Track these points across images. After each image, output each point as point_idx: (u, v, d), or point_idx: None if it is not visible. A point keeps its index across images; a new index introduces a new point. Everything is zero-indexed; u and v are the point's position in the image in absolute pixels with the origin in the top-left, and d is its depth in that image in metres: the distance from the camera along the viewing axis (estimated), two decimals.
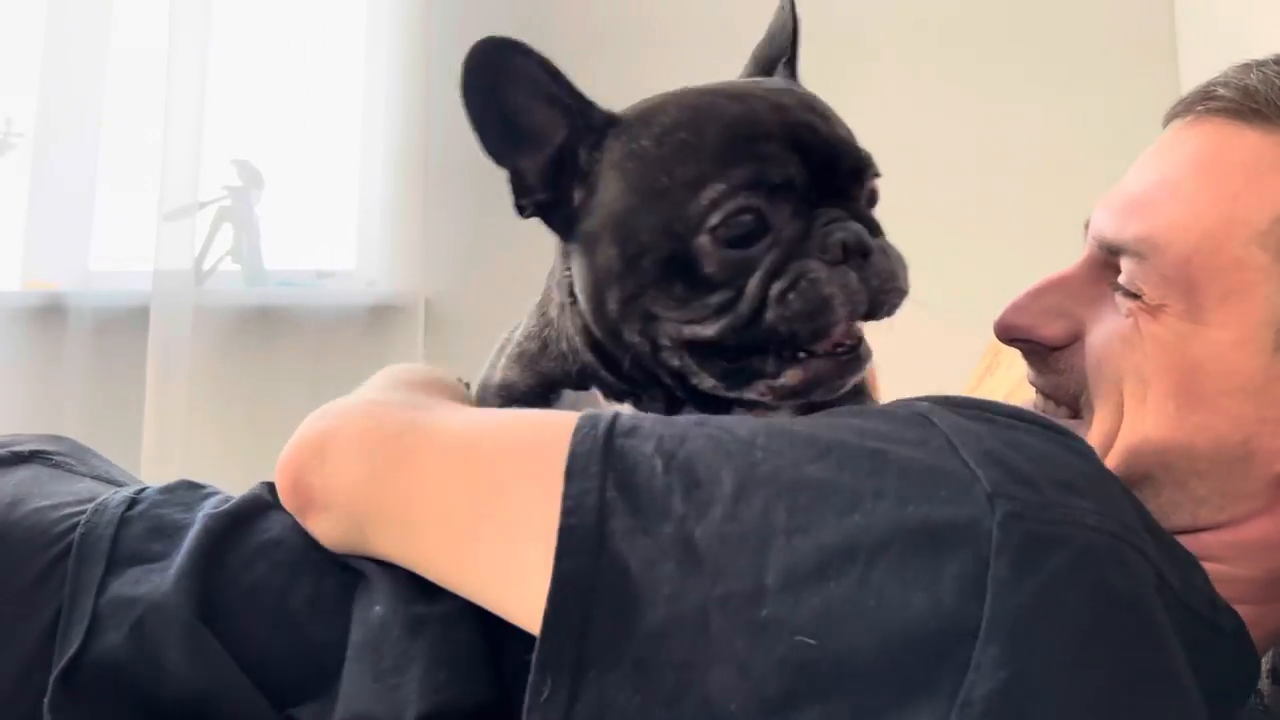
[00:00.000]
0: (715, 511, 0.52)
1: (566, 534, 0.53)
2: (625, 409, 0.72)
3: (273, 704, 0.62)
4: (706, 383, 0.67)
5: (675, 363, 0.68)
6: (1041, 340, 0.72)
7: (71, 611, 0.64)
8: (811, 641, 0.48)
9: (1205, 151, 0.67)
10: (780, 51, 0.79)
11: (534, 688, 0.51)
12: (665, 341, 0.67)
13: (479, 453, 0.61)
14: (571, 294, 0.72)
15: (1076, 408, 0.70)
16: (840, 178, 0.67)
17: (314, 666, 0.62)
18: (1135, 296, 0.66)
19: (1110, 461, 0.66)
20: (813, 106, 0.68)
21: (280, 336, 2.05)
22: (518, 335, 0.79)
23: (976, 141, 2.11)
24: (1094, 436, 0.67)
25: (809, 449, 0.54)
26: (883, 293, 0.65)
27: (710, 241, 0.64)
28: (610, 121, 0.70)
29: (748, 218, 0.64)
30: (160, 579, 0.65)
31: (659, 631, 0.50)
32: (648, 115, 0.69)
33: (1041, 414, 0.64)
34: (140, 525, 0.69)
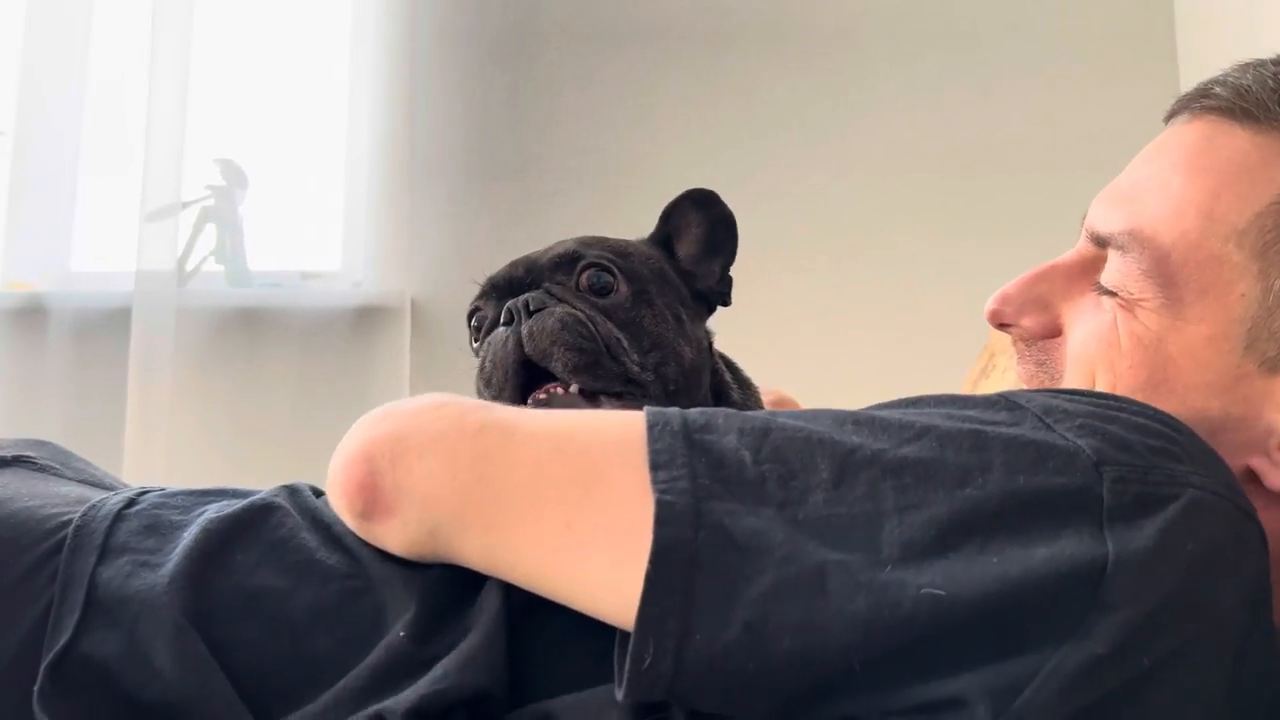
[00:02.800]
0: (817, 497, 0.53)
1: (664, 508, 0.53)
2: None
3: (257, 715, 0.61)
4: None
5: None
6: (1023, 331, 0.74)
7: (63, 602, 0.63)
8: (940, 592, 0.49)
9: (1194, 149, 0.68)
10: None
11: (635, 656, 0.51)
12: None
13: (569, 446, 0.60)
14: None
15: None
16: (542, 273, 0.87)
17: (306, 675, 0.61)
18: (1114, 294, 0.68)
19: None
20: (526, 263, 0.89)
21: (265, 338, 2.04)
22: None
23: (974, 141, 2.11)
24: None
25: (903, 432, 0.56)
26: (536, 338, 0.81)
27: (473, 337, 0.89)
28: None
29: (479, 315, 0.88)
30: (153, 577, 0.64)
31: (770, 594, 0.51)
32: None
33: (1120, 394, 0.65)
34: (136, 521, 0.69)
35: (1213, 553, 0.51)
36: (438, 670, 0.60)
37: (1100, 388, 0.68)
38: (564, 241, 0.89)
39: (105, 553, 0.66)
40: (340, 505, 0.66)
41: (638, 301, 0.85)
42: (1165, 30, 2.11)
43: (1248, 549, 0.53)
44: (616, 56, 2.14)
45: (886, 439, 0.55)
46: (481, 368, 0.84)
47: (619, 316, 0.84)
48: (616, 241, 0.90)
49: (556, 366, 0.79)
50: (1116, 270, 0.68)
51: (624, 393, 0.81)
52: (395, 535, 0.64)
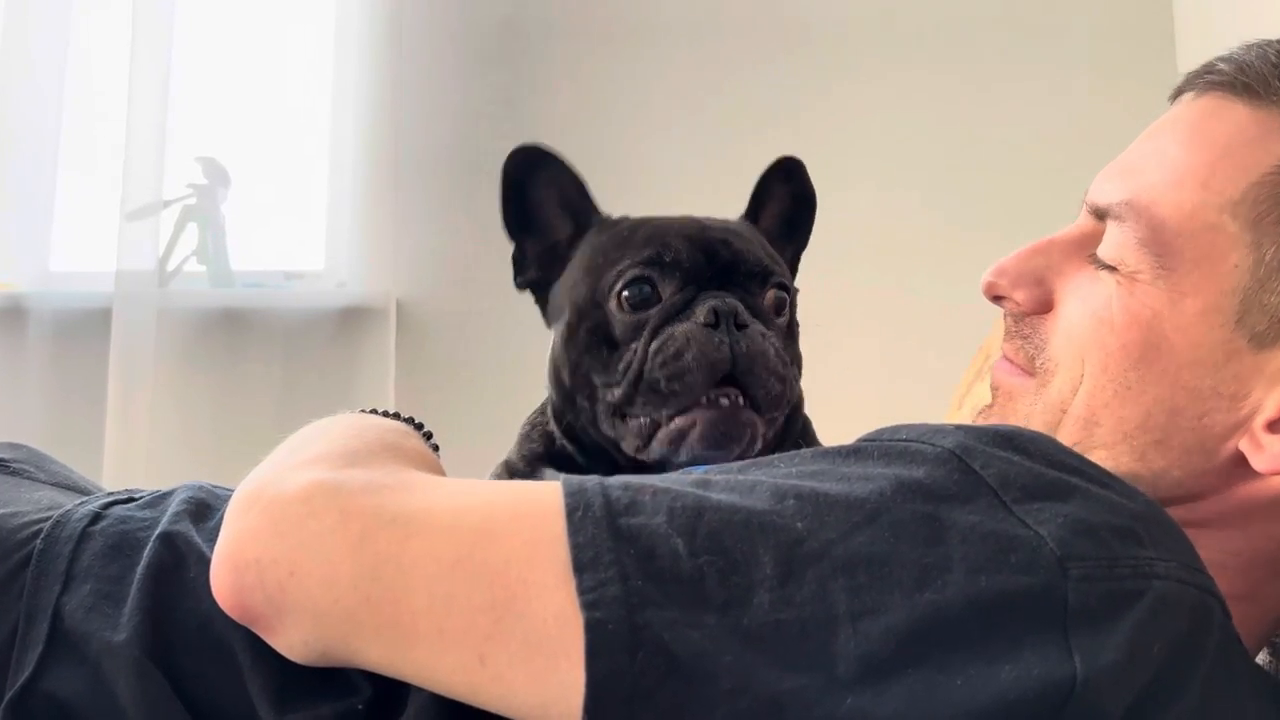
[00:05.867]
0: (762, 598, 0.49)
1: (595, 630, 0.48)
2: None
3: None
4: (630, 445, 0.76)
5: (610, 432, 0.77)
6: (1015, 305, 0.74)
7: (27, 634, 0.62)
8: None
9: (1194, 122, 0.69)
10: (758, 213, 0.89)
11: None
12: (600, 409, 0.77)
13: (474, 556, 0.53)
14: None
15: (1032, 370, 0.72)
16: (738, 275, 0.78)
17: (255, 706, 0.60)
18: (1112, 269, 0.68)
19: (1066, 430, 0.68)
20: (736, 232, 0.81)
21: (247, 339, 2.02)
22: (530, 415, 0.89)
23: (971, 140, 2.11)
24: (1049, 402, 0.70)
25: (851, 514, 0.51)
26: (749, 359, 0.74)
27: (616, 306, 0.77)
28: (594, 225, 0.84)
29: (644, 286, 0.77)
30: (115, 613, 0.63)
31: None
32: (613, 222, 0.84)
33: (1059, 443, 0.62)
34: (100, 542, 0.67)
35: (1180, 648, 0.50)
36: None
37: (1089, 368, 0.68)
38: (744, 240, 0.80)
39: (70, 580, 0.65)
40: (229, 612, 0.59)
41: (792, 330, 0.83)
42: (1165, 30, 2.11)
43: (1210, 628, 0.52)
44: (605, 55, 2.13)
45: (834, 524, 0.51)
46: (675, 355, 0.73)
47: (782, 343, 0.79)
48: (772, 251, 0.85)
49: (756, 392, 0.74)
50: (1114, 242, 0.68)
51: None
52: (284, 648, 0.58)
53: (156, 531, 0.68)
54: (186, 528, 0.68)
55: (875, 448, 0.58)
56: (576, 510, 0.52)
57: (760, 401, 0.74)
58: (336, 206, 2.09)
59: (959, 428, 0.59)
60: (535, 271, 0.85)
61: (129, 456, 1.91)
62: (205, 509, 0.72)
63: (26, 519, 0.69)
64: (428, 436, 0.74)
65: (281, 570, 0.55)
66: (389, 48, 2.08)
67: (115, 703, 0.60)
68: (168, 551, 0.65)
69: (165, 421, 1.96)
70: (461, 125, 2.11)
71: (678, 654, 0.47)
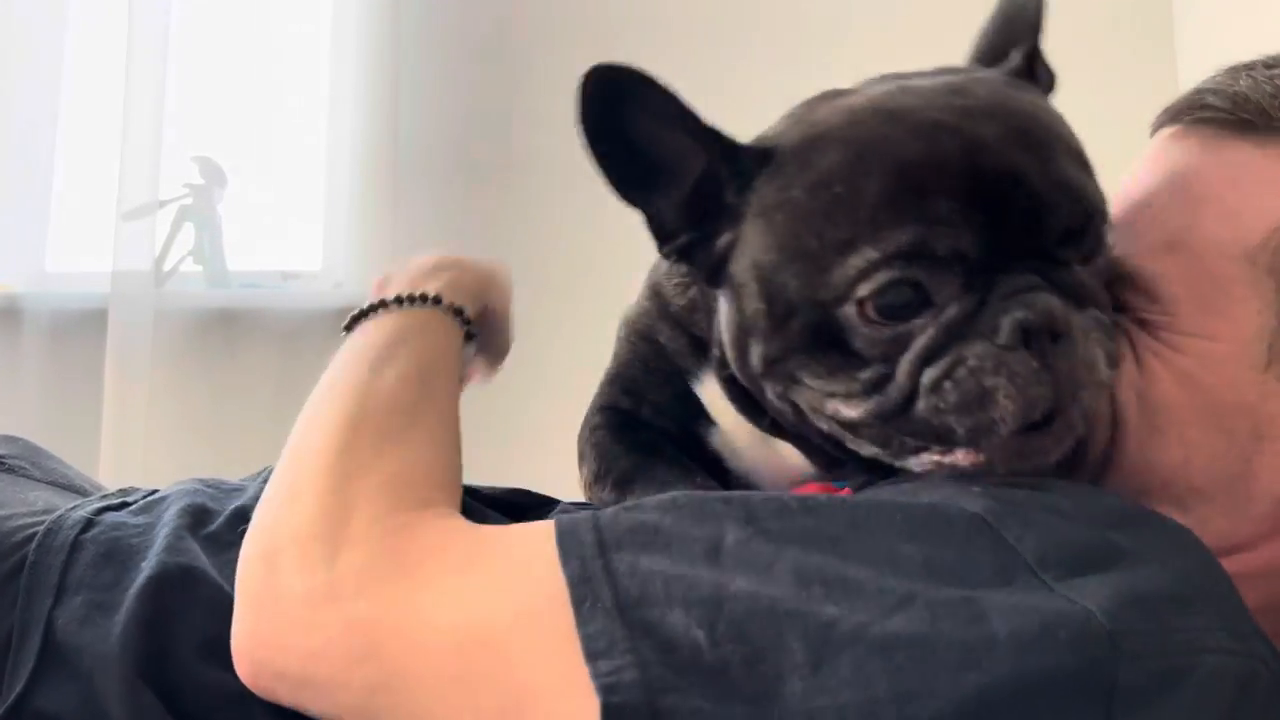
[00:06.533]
0: (794, 686, 0.45)
1: (612, 715, 0.45)
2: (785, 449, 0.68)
3: None
4: (866, 450, 0.61)
5: (824, 427, 0.61)
6: None
7: (20, 648, 0.62)
8: None
9: (1194, 166, 0.66)
10: (1015, 38, 0.69)
11: None
12: (808, 410, 0.61)
13: (474, 656, 0.51)
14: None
15: None
16: (1046, 236, 0.56)
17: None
18: (1125, 311, 0.65)
19: (1109, 481, 0.65)
20: (1027, 139, 0.57)
21: (243, 340, 2.02)
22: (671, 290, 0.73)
23: None
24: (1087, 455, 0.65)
25: (883, 599, 0.47)
26: (1074, 383, 0.55)
27: (857, 314, 0.56)
28: (761, 157, 0.61)
29: (904, 290, 0.55)
30: (107, 624, 0.62)
31: None
32: (805, 153, 0.60)
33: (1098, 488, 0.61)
34: (92, 550, 0.67)
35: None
36: None
37: (1124, 413, 0.64)
38: (1052, 150, 0.57)
39: (62, 591, 0.64)
40: None
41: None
42: (1165, 30, 2.10)
43: (1256, 697, 0.49)
44: (601, 54, 2.11)
45: (865, 607, 0.47)
46: (971, 399, 0.55)
47: (1105, 315, 0.60)
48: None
49: (1077, 417, 0.58)
50: (1127, 298, 0.65)
51: None
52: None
53: (157, 546, 0.67)
54: (189, 544, 0.67)
55: (899, 513, 0.53)
56: (584, 601, 0.49)
57: (1079, 425, 0.59)
58: (333, 207, 2.08)
59: (986, 488, 0.54)
60: (687, 234, 0.64)
61: (125, 457, 1.90)
62: (204, 514, 0.71)
63: (20, 522, 0.69)
64: (465, 322, 0.75)
65: (294, 679, 0.56)
66: (386, 48, 2.07)
67: (106, 717, 0.60)
68: (172, 567, 0.65)
69: (161, 422, 1.95)
70: (459, 125, 2.10)
71: None
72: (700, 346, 0.71)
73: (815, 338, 0.58)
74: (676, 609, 0.48)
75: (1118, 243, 0.64)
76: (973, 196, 0.55)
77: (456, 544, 0.57)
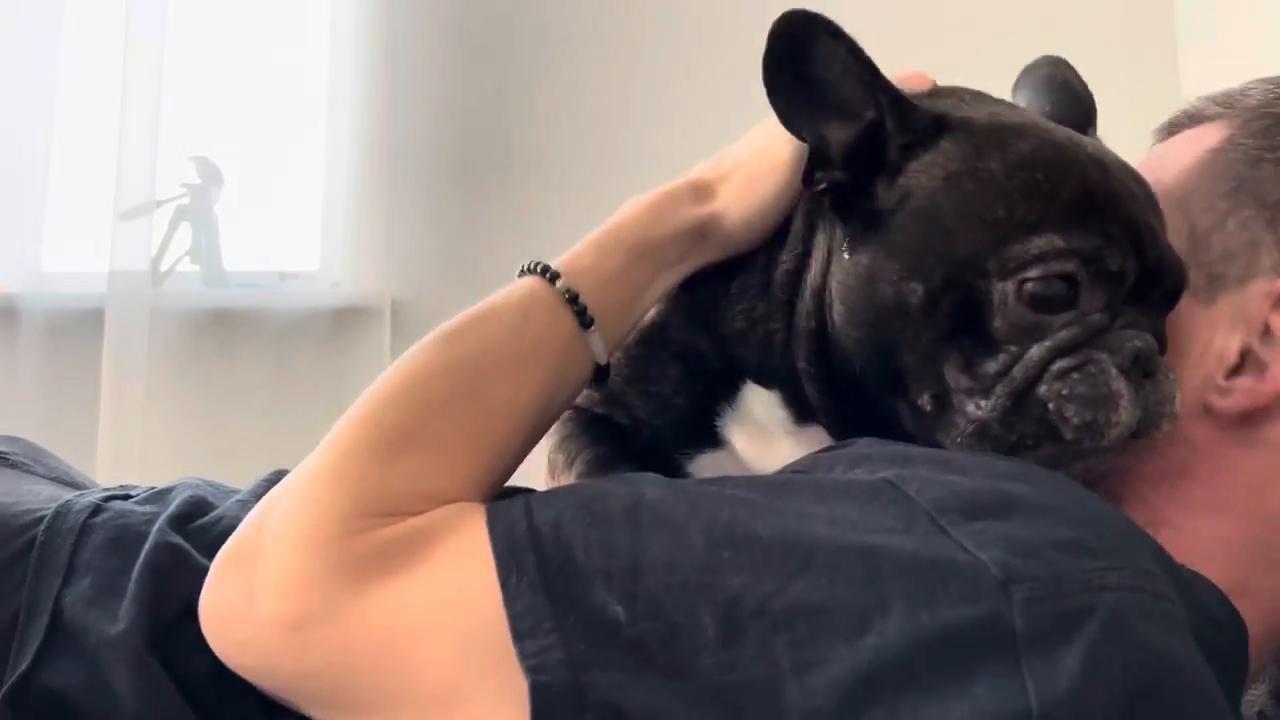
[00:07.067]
0: (706, 661, 0.48)
1: (540, 692, 0.48)
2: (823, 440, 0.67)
3: None
4: (952, 445, 0.62)
5: (953, 447, 0.62)
6: None
7: (28, 627, 0.62)
8: None
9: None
10: (1084, 118, 0.75)
11: None
12: (959, 420, 0.61)
13: (412, 651, 0.53)
14: (794, 290, 0.68)
15: None
16: (1156, 291, 0.62)
17: (259, 701, 0.59)
18: None
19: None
20: (1155, 207, 0.64)
21: (240, 340, 2.01)
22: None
23: None
24: None
25: (787, 561, 0.49)
26: (1152, 422, 0.60)
27: (1015, 292, 0.59)
28: (939, 124, 0.64)
29: (1061, 286, 0.59)
30: (113, 604, 0.63)
31: None
32: (1001, 134, 0.64)
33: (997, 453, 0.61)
34: (101, 535, 0.67)
35: (1142, 657, 0.47)
36: None
37: None
38: (1163, 226, 0.63)
39: (71, 572, 0.65)
40: None
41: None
42: (1165, 30, 2.10)
43: (1176, 633, 0.49)
44: (599, 54, 2.12)
45: (770, 574, 0.49)
46: (1095, 401, 0.58)
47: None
48: None
49: (1143, 442, 0.61)
50: None
51: None
52: None
53: (156, 526, 0.67)
54: (181, 528, 0.68)
55: (810, 483, 0.56)
56: (510, 575, 0.51)
57: (1144, 445, 0.62)
58: (331, 206, 2.08)
59: (896, 459, 0.56)
60: (841, 171, 0.65)
61: (122, 457, 1.89)
62: (204, 506, 0.72)
63: (27, 507, 0.69)
64: (579, 311, 0.66)
65: (274, 686, 0.58)
66: (382, 47, 2.07)
67: (112, 694, 0.60)
68: (167, 550, 0.65)
69: (158, 422, 1.95)
70: (456, 124, 2.10)
71: (629, 713, 0.47)
72: (733, 361, 0.72)
73: (960, 317, 0.60)
74: (598, 580, 0.50)
75: None
76: (1130, 236, 0.60)
77: (407, 546, 0.57)
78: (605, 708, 0.47)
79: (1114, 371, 0.58)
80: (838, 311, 0.65)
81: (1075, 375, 0.58)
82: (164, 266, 2.03)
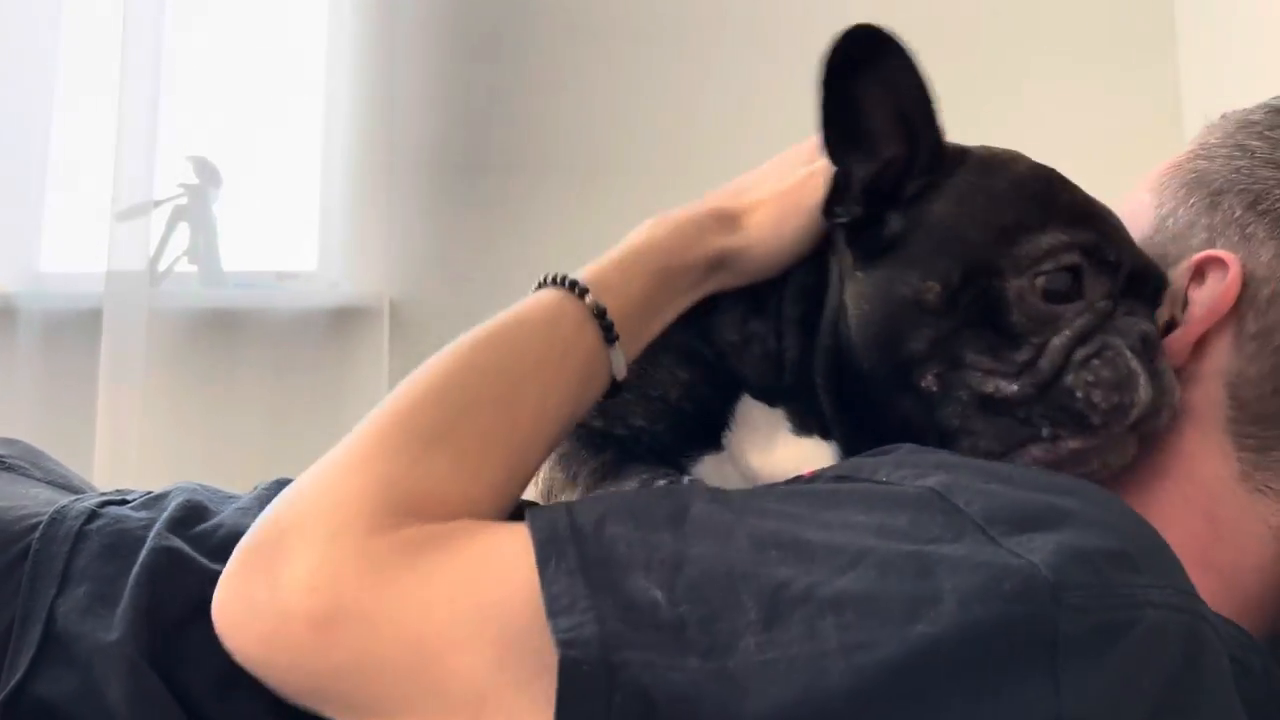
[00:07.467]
0: (747, 642, 0.47)
1: (569, 671, 0.47)
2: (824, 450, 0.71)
3: None
4: (981, 444, 0.65)
5: (955, 422, 0.65)
6: None
7: (22, 636, 0.62)
8: None
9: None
10: None
11: None
12: (962, 394, 0.64)
13: (446, 660, 0.52)
14: (806, 308, 0.71)
15: None
16: (1145, 287, 0.68)
17: (265, 709, 0.59)
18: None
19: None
20: (1121, 222, 0.70)
21: (239, 340, 2.01)
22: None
23: (968, 137, 2.10)
24: None
25: (834, 559, 0.50)
26: (1159, 406, 0.64)
27: (1029, 286, 0.64)
28: (960, 156, 0.70)
29: (1069, 278, 0.65)
30: (107, 612, 0.63)
31: None
32: (1001, 159, 0.71)
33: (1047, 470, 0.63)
34: (97, 541, 0.67)
35: (1174, 678, 0.48)
36: None
37: None
38: (1145, 254, 0.69)
39: (65, 581, 0.64)
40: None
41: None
42: (1165, 30, 2.10)
43: (1213, 659, 0.50)
44: (598, 54, 2.12)
45: (818, 569, 0.49)
46: (1118, 381, 0.62)
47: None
48: None
49: (1148, 432, 0.65)
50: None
51: None
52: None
53: (153, 530, 0.67)
54: (181, 533, 0.68)
55: (855, 492, 0.56)
56: (549, 561, 0.51)
57: (1148, 437, 0.66)
58: (329, 206, 2.08)
59: (941, 466, 0.57)
60: (860, 205, 0.69)
61: (120, 458, 1.89)
62: (202, 512, 0.72)
63: (24, 512, 0.69)
64: (600, 316, 0.66)
65: (294, 683, 0.56)
66: (381, 46, 2.06)
67: (105, 705, 0.60)
68: (165, 554, 0.65)
69: (156, 423, 1.94)
70: (454, 124, 2.10)
71: (657, 698, 0.46)
72: (732, 373, 0.74)
73: (981, 312, 0.65)
74: (638, 571, 0.50)
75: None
76: (1117, 240, 0.67)
77: (436, 543, 0.56)
78: (634, 689, 0.46)
79: (1129, 353, 0.63)
80: (852, 317, 0.68)
81: (1097, 361, 0.63)
82: (162, 267, 2.03)
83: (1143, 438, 0.66)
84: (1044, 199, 0.67)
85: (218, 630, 0.57)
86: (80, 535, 0.67)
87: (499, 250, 2.01)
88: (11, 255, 2.02)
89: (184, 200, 2.04)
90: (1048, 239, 0.65)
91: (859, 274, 0.69)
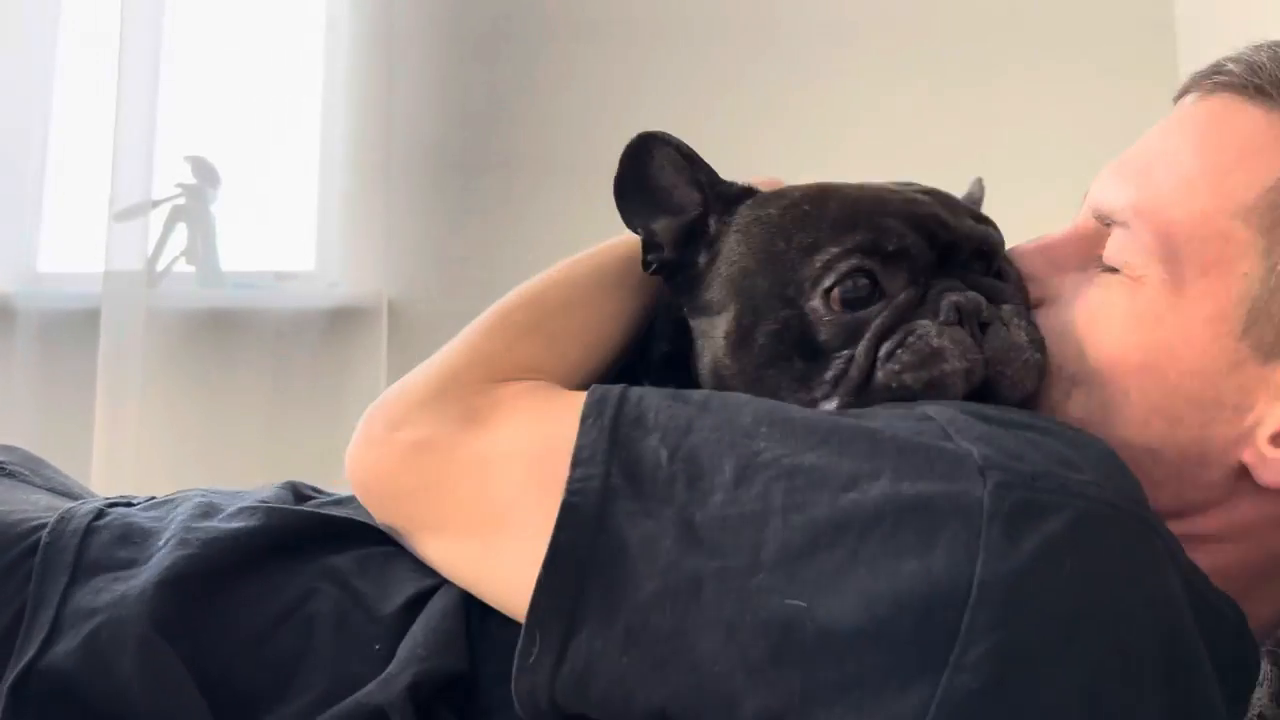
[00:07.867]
0: (716, 497, 0.55)
1: (568, 511, 0.56)
2: None
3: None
4: None
5: None
6: None
7: (32, 623, 0.63)
8: (801, 604, 0.50)
9: (1205, 125, 0.68)
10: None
11: (522, 651, 0.54)
12: None
13: (496, 480, 0.64)
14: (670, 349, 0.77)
15: None
16: (963, 255, 0.68)
17: (275, 677, 0.62)
18: (1115, 270, 0.67)
19: None
20: (946, 202, 0.71)
21: (237, 340, 2.01)
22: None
23: (969, 139, 2.10)
24: (1043, 406, 0.68)
25: (809, 437, 0.57)
26: (1002, 363, 0.65)
27: (822, 305, 0.66)
28: (745, 193, 0.74)
29: (861, 281, 0.66)
30: (124, 588, 0.64)
31: (651, 602, 0.53)
32: (780, 191, 0.74)
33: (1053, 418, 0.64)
34: (107, 534, 0.69)
35: (1103, 571, 0.50)
36: (415, 650, 0.62)
37: (1085, 370, 0.66)
38: (955, 212, 0.70)
39: (78, 571, 0.66)
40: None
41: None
42: (1165, 30, 2.10)
43: (1154, 563, 0.52)
44: (596, 53, 2.12)
45: (793, 443, 0.56)
46: (928, 358, 0.63)
47: (1025, 317, 0.69)
48: None
49: (1011, 396, 0.65)
50: (1120, 246, 0.67)
51: None
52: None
53: (176, 524, 0.69)
54: (203, 525, 0.70)
55: (870, 410, 0.62)
56: (589, 418, 0.60)
57: (1014, 397, 0.66)
58: (327, 206, 2.08)
59: (949, 403, 0.62)
60: (672, 252, 0.75)
61: (118, 458, 1.89)
62: (213, 509, 0.74)
63: (26, 515, 0.70)
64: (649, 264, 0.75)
65: (388, 503, 0.70)
66: (379, 46, 2.07)
67: (112, 676, 0.61)
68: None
69: (154, 423, 1.94)
70: (452, 124, 2.10)
71: (628, 539, 0.55)
72: None
73: (782, 343, 0.67)
74: (656, 433, 0.59)
75: (1122, 191, 0.68)
76: (906, 219, 0.67)
77: (516, 398, 0.68)
78: (614, 533, 0.55)
79: (934, 331, 0.64)
80: (703, 378, 0.74)
81: (900, 350, 0.64)
82: (160, 267, 2.03)
83: (1017, 390, 0.66)
84: (812, 217, 0.68)
85: (347, 468, 0.70)
86: (90, 530, 0.69)
87: (497, 250, 2.01)
88: (9, 255, 2.02)
89: (182, 200, 2.04)
90: (821, 257, 0.66)
91: (689, 320, 0.74)
